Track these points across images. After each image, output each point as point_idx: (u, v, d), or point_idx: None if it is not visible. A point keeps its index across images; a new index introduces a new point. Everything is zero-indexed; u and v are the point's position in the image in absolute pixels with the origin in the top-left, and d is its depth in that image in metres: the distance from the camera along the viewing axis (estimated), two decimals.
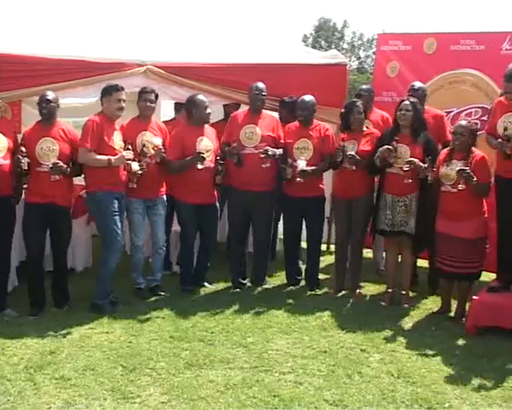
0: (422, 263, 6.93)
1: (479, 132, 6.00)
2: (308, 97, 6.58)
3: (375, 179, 6.45)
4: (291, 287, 6.90)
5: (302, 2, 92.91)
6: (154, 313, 5.94)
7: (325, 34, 56.04)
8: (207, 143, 6.42)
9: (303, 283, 6.94)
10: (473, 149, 5.71)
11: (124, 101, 5.91)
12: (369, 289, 6.85)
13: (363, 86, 7.51)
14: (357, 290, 6.63)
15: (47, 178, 5.69)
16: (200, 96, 6.43)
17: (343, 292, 6.66)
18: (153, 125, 6.35)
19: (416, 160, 5.89)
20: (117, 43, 6.67)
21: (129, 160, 5.85)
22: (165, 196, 6.47)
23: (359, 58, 54.49)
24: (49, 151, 5.72)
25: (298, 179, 6.35)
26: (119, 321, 5.70)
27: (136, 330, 5.52)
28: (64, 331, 5.42)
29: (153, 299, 6.39)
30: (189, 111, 6.44)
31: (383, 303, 6.34)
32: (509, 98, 5.62)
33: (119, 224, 5.94)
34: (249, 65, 7.09)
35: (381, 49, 8.23)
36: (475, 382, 4.64)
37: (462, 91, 7.35)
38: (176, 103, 7.25)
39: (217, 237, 6.92)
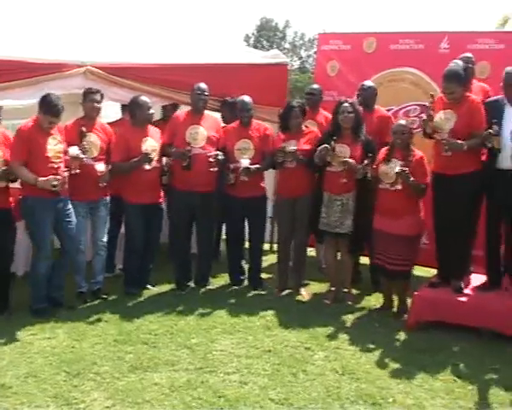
0: (365, 260, 7.01)
1: (416, 130, 6.13)
2: (247, 98, 6.60)
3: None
4: (234, 287, 6.91)
5: (244, 2, 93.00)
6: (97, 316, 5.86)
7: (267, 34, 56.10)
8: (152, 143, 6.38)
9: (246, 282, 6.96)
10: (412, 147, 5.82)
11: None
12: (313, 287, 6.91)
13: (315, 86, 7.51)
14: (302, 289, 6.69)
15: None
16: (143, 98, 6.40)
17: (286, 291, 6.71)
18: (97, 127, 6.27)
19: (351, 160, 5.99)
20: (57, 43, 6.50)
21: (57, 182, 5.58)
22: (108, 198, 6.38)
23: (301, 58, 54.75)
24: None
25: (242, 178, 6.37)
26: (62, 326, 5.60)
27: (80, 334, 5.43)
28: (4, 338, 5.29)
29: (96, 302, 6.30)
30: (133, 112, 6.40)
31: (327, 301, 6.40)
32: (446, 97, 5.76)
33: (48, 231, 5.81)
34: (190, 65, 7.05)
35: (322, 49, 8.34)
36: (418, 376, 4.74)
37: (401, 89, 7.50)
38: (123, 105, 7.15)
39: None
